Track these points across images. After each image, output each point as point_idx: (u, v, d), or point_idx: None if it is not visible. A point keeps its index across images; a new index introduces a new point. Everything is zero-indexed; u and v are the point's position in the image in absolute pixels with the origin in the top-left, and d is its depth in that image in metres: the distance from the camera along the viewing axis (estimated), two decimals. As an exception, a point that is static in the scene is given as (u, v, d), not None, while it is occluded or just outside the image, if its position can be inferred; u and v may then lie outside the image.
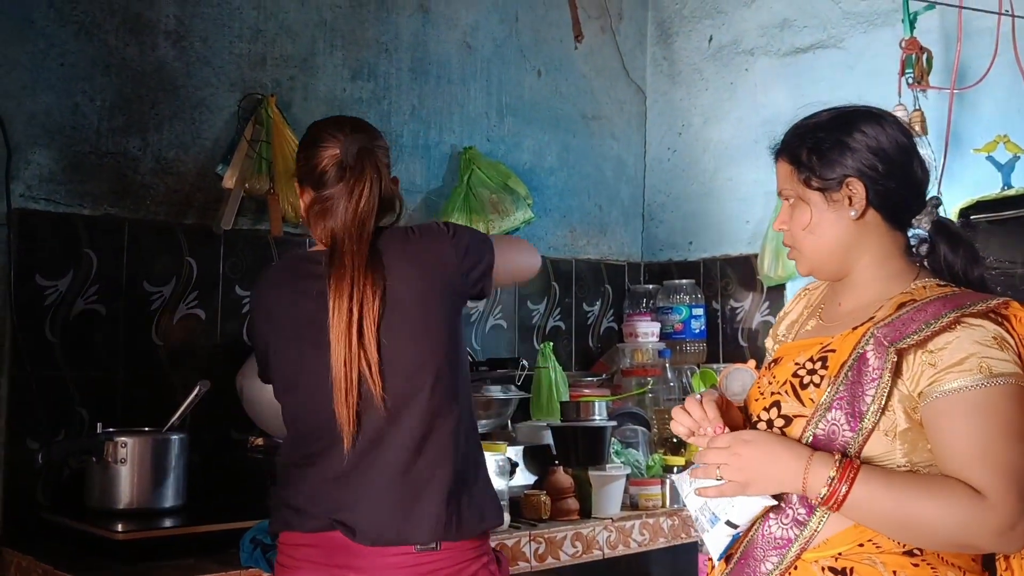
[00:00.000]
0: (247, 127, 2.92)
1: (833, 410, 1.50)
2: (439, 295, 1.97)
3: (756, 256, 3.55)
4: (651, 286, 3.93)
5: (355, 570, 1.88)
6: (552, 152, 3.81)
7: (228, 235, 2.90)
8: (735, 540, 1.57)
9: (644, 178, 4.13)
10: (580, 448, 2.98)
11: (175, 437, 2.49)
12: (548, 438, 3.15)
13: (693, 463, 1.59)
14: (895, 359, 1.46)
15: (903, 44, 3.08)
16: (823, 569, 1.50)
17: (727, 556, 1.61)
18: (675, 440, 3.22)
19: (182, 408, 2.51)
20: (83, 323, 2.66)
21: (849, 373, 1.50)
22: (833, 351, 1.55)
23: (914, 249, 1.64)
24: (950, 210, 2.90)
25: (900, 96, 3.07)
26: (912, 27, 3.09)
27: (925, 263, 1.63)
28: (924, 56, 3.05)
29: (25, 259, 2.57)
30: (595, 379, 3.61)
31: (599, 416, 3.05)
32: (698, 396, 1.62)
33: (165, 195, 2.83)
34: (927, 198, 1.64)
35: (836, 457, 1.45)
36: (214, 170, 2.89)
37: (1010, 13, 2.94)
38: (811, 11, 3.62)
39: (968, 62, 3.08)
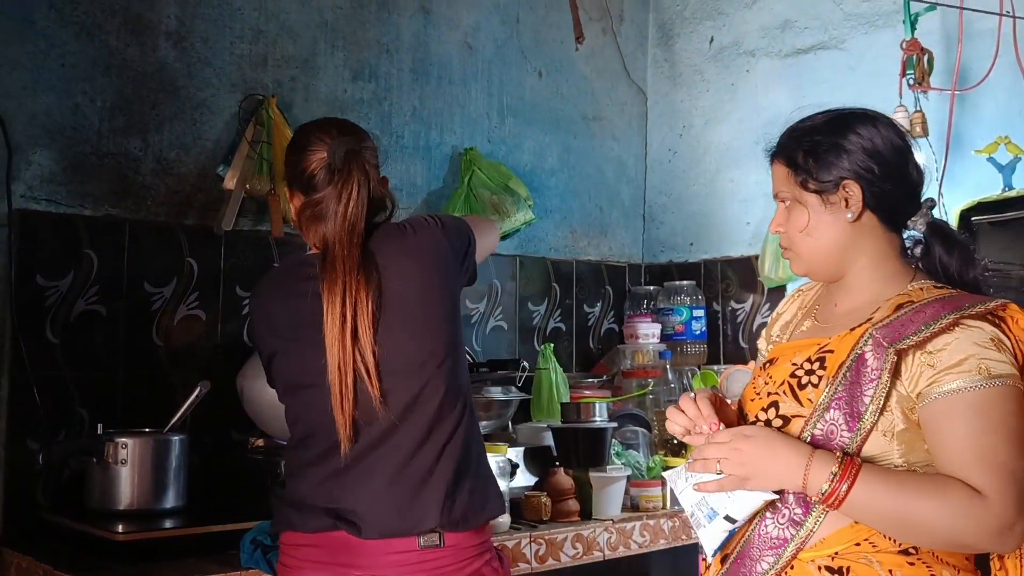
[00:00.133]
0: (248, 128, 2.92)
1: (831, 410, 1.51)
2: (439, 287, 1.99)
3: (757, 257, 3.54)
4: (652, 287, 3.93)
5: (359, 569, 1.88)
6: (553, 153, 3.81)
7: (229, 236, 2.90)
8: (732, 535, 1.57)
9: (645, 179, 4.13)
10: (581, 449, 2.98)
11: (175, 438, 2.49)
12: (549, 439, 3.15)
13: (690, 457, 1.59)
14: (895, 359, 1.47)
15: (904, 45, 3.07)
16: (819, 568, 1.50)
17: (723, 557, 1.62)
18: (676, 441, 3.22)
19: (183, 409, 2.50)
20: (84, 324, 2.66)
21: (847, 374, 1.51)
22: (831, 352, 1.56)
23: (909, 251, 1.65)
24: (951, 211, 2.91)
25: (901, 97, 3.07)
26: (913, 28, 3.09)
27: (919, 265, 1.64)
28: (925, 57, 3.05)
29: (26, 260, 2.57)
30: (596, 380, 3.61)
31: (600, 417, 3.05)
32: (692, 394, 1.62)
33: (166, 196, 2.83)
34: (922, 200, 1.65)
35: (838, 455, 1.46)
36: (215, 171, 2.89)
37: (1011, 14, 2.94)
38: (812, 12, 3.62)
39: (969, 63, 3.08)
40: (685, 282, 3.82)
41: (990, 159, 2.95)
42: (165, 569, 2.19)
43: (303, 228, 2.03)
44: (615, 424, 3.12)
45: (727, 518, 1.53)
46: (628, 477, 2.96)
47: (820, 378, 1.54)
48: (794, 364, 1.60)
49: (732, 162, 3.81)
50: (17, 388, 2.54)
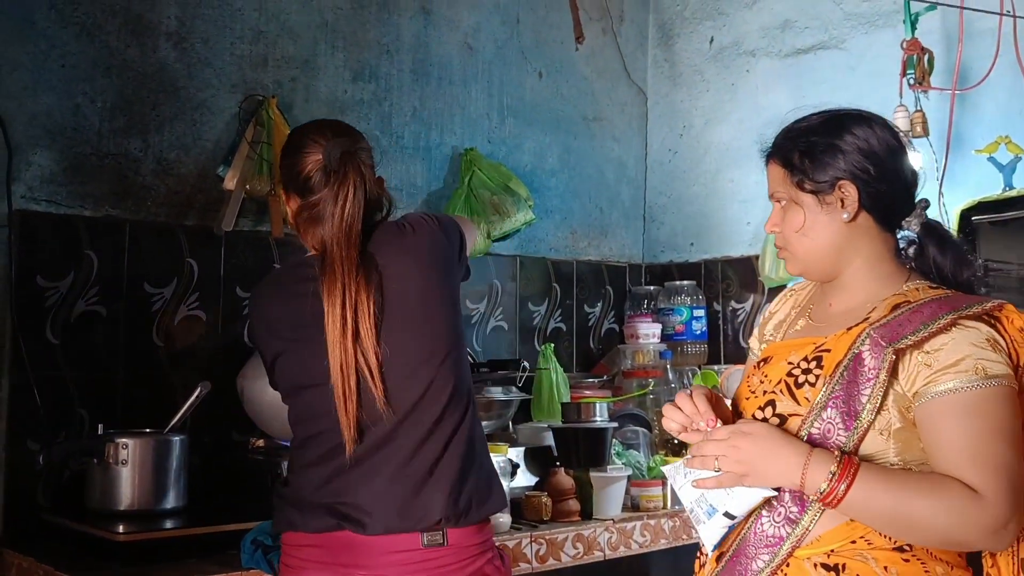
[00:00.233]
0: (248, 128, 2.92)
1: (828, 409, 1.51)
2: (440, 284, 1.99)
3: (757, 257, 3.54)
4: (652, 287, 3.93)
5: (362, 568, 1.88)
6: (553, 153, 3.81)
7: (229, 236, 2.90)
8: (730, 531, 1.58)
9: (645, 179, 4.13)
10: (581, 449, 2.98)
11: (176, 438, 2.49)
12: (549, 439, 3.15)
13: (688, 454, 1.60)
14: (893, 359, 1.48)
15: (904, 45, 3.07)
16: (815, 566, 1.51)
17: (719, 555, 1.62)
18: (676, 441, 3.22)
19: (183, 409, 2.50)
20: (84, 324, 2.66)
21: (845, 373, 1.52)
22: (828, 351, 1.57)
23: (903, 251, 1.66)
24: (951, 211, 2.90)
25: (901, 97, 3.07)
26: (913, 28, 3.09)
27: (913, 265, 1.65)
28: (925, 57, 3.05)
29: (26, 260, 2.57)
30: (596, 380, 3.61)
31: (600, 417, 3.05)
32: (689, 391, 1.62)
33: (166, 196, 2.83)
34: (916, 200, 1.66)
35: (836, 454, 1.46)
36: (215, 171, 2.89)
37: (1011, 14, 2.94)
38: (812, 12, 3.62)
39: (969, 63, 3.08)
40: (685, 282, 3.82)
41: (990, 159, 2.95)
42: (166, 569, 2.19)
43: (300, 230, 2.03)
44: (615, 424, 3.12)
45: (726, 515, 1.54)
46: (629, 477, 2.96)
47: (817, 377, 1.55)
48: (790, 363, 1.61)
49: (732, 162, 3.81)
50: (17, 389, 2.54)
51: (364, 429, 1.90)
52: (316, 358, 1.90)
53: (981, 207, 2.78)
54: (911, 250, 1.65)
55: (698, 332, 3.75)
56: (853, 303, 1.62)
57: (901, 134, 1.67)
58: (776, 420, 1.57)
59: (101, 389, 2.67)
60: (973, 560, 1.55)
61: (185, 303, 2.83)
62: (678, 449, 3.22)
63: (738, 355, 3.68)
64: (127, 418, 2.64)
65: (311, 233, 1.99)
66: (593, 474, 2.89)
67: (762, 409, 1.60)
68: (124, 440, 2.41)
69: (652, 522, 2.91)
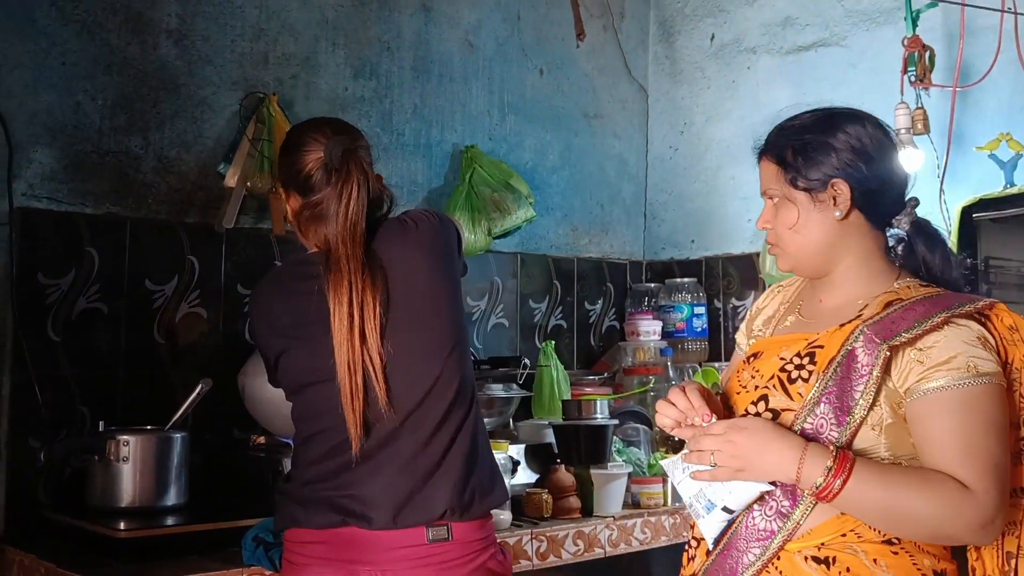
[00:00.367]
0: (249, 126, 2.92)
1: (822, 404, 1.53)
2: (444, 278, 2.00)
3: (758, 254, 3.54)
4: (653, 285, 3.92)
5: (367, 564, 1.89)
6: (554, 151, 3.81)
7: (230, 234, 2.90)
8: (730, 524, 1.58)
9: (646, 177, 4.12)
10: (582, 447, 2.98)
11: (177, 435, 2.49)
12: (550, 436, 3.15)
13: (685, 449, 1.60)
14: (887, 355, 1.49)
15: (905, 42, 3.07)
16: (806, 559, 1.52)
17: (707, 548, 1.63)
18: (676, 440, 3.22)
19: (184, 407, 2.51)
20: (85, 322, 2.66)
21: (838, 369, 1.53)
22: (821, 347, 1.58)
23: (892, 249, 1.68)
24: (952, 208, 2.90)
25: (903, 94, 3.07)
26: (915, 25, 3.08)
27: (902, 262, 1.67)
28: (927, 54, 3.04)
29: (27, 258, 2.58)
30: (597, 378, 3.61)
31: (601, 415, 3.05)
32: (681, 387, 1.63)
33: (167, 194, 2.83)
34: (906, 199, 1.67)
35: (832, 449, 1.48)
36: (216, 169, 2.89)
37: (1013, 11, 2.94)
38: (813, 9, 3.61)
39: (971, 60, 3.07)
40: (686, 279, 3.82)
41: (992, 156, 2.94)
42: (167, 566, 2.19)
43: (301, 229, 2.03)
44: (616, 421, 3.12)
45: (724, 509, 1.55)
46: (629, 474, 2.97)
47: (811, 373, 1.56)
48: (782, 359, 1.62)
49: (733, 159, 3.81)
50: (18, 386, 2.54)
51: (370, 426, 1.91)
52: (321, 356, 1.91)
53: (982, 204, 2.78)
54: (900, 248, 1.67)
55: (699, 329, 3.75)
56: (843, 300, 1.63)
57: (893, 133, 1.69)
58: (769, 415, 1.58)
59: (102, 386, 2.67)
60: (958, 553, 1.58)
61: (186, 300, 2.83)
62: (679, 446, 3.19)
63: (739, 352, 3.68)
64: (128, 415, 2.64)
65: (313, 231, 2.00)
66: (594, 471, 2.89)
67: (755, 404, 1.61)
68: (125, 437, 2.41)
69: (653, 519, 2.91)
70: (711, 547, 1.61)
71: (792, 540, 1.53)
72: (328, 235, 1.95)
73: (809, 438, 1.51)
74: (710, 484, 1.55)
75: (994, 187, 2.91)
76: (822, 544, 1.52)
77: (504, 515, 2.63)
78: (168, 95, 2.84)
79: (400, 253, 1.97)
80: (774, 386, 1.60)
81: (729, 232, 3.80)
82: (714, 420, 1.56)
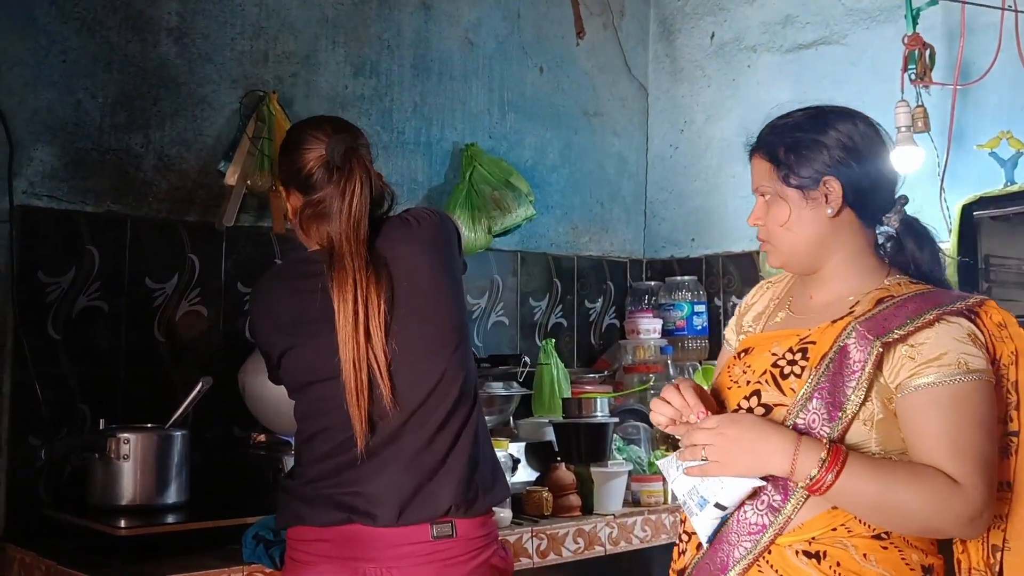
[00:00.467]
0: (249, 124, 2.92)
1: (814, 399, 1.54)
2: (448, 274, 2.01)
3: (758, 253, 3.54)
4: (653, 283, 3.92)
5: (372, 561, 1.89)
6: (554, 149, 3.81)
7: (230, 232, 2.90)
8: (724, 522, 1.59)
9: (646, 175, 4.12)
10: (582, 445, 2.98)
11: (177, 433, 2.49)
12: (550, 435, 3.15)
13: (680, 446, 1.60)
14: (880, 352, 1.51)
15: (906, 40, 3.07)
16: (797, 553, 1.53)
17: (699, 542, 1.63)
18: (677, 437, 3.22)
19: (184, 405, 2.51)
20: (85, 320, 2.66)
21: (830, 365, 1.54)
22: (813, 343, 1.60)
23: (881, 247, 1.69)
24: (953, 206, 2.90)
25: (903, 92, 3.06)
26: (915, 23, 3.08)
27: (891, 260, 1.68)
28: (927, 52, 3.04)
29: (27, 256, 2.58)
30: (597, 376, 3.61)
31: (601, 413, 3.05)
32: (674, 384, 1.64)
33: (167, 192, 2.83)
34: (896, 197, 1.69)
35: (825, 442, 1.49)
36: (216, 167, 2.89)
37: (1013, 8, 2.94)
38: (813, 7, 3.61)
39: (971, 58, 3.07)
40: (686, 277, 3.82)
41: (992, 154, 2.94)
42: (167, 564, 2.19)
43: (303, 227, 2.03)
44: (616, 419, 3.12)
45: (717, 505, 1.56)
46: (629, 472, 2.97)
47: (803, 368, 1.58)
48: (774, 354, 1.63)
49: (733, 158, 3.80)
50: (19, 384, 2.54)
51: (375, 423, 1.91)
52: (325, 354, 1.91)
53: (982, 202, 2.77)
54: (889, 245, 1.69)
55: (699, 327, 3.75)
56: (834, 296, 1.65)
57: (883, 131, 1.70)
58: (761, 410, 1.59)
59: (102, 384, 2.67)
60: (944, 548, 1.60)
61: (186, 298, 2.83)
62: (679, 444, 3.22)
63: (739, 350, 3.68)
64: (128, 413, 2.64)
65: (315, 229, 2.00)
66: (594, 469, 2.89)
67: (747, 399, 1.62)
68: (125, 435, 2.41)
69: (653, 517, 2.91)
70: (704, 544, 1.61)
71: (783, 534, 1.54)
72: (331, 233, 1.95)
73: (801, 433, 1.52)
74: (703, 480, 1.56)
75: (994, 185, 2.91)
76: (813, 538, 1.53)
77: (504, 513, 2.63)
78: (168, 93, 2.84)
79: (403, 250, 1.97)
80: (766, 381, 1.61)
81: (729, 230, 3.79)
82: (708, 415, 1.57)
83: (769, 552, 1.55)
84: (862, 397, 1.51)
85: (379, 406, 1.91)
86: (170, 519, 2.40)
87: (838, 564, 1.52)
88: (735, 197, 3.79)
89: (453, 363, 1.97)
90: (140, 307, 2.75)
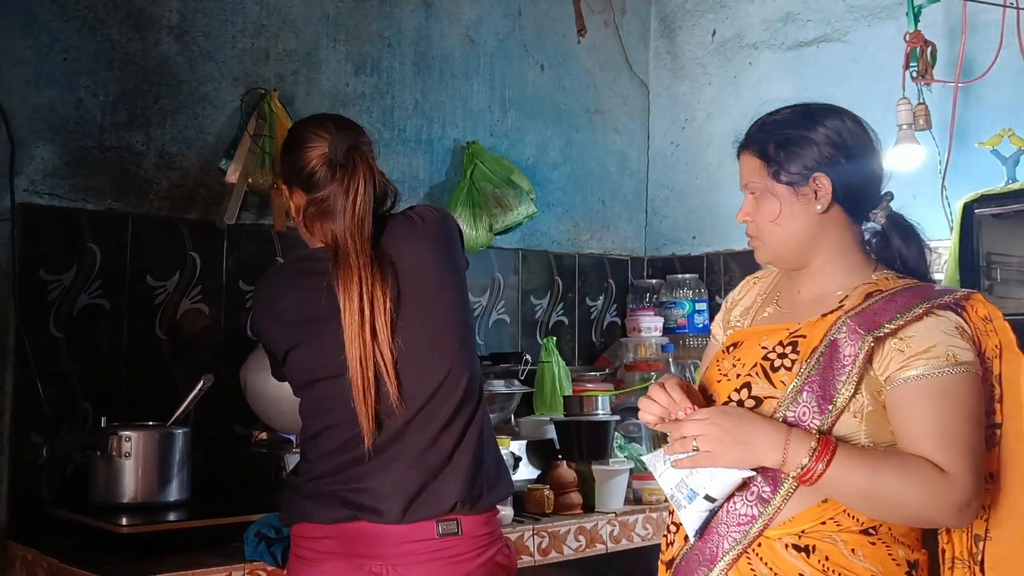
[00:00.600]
0: (250, 122, 2.92)
1: (804, 392, 1.56)
2: (452, 271, 2.01)
3: (760, 250, 3.53)
4: (654, 281, 3.93)
5: (377, 558, 1.89)
6: (555, 147, 3.81)
7: (232, 230, 2.91)
8: (712, 514, 1.60)
9: (647, 172, 4.12)
10: (583, 443, 2.98)
11: (179, 431, 2.50)
12: (551, 432, 3.16)
13: (668, 441, 1.61)
14: (871, 346, 1.53)
15: (907, 37, 3.06)
16: (786, 547, 1.55)
17: (686, 533, 1.64)
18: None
19: (186, 402, 2.51)
20: (87, 318, 2.66)
21: (821, 358, 1.56)
22: (803, 336, 1.61)
23: (868, 242, 1.71)
24: (954, 204, 2.90)
25: (904, 89, 3.06)
26: (916, 20, 3.08)
27: (876, 255, 1.70)
28: (928, 49, 3.03)
29: (29, 254, 2.58)
30: (598, 374, 3.61)
31: (602, 411, 3.05)
32: (660, 382, 1.65)
33: (168, 190, 2.83)
34: (882, 193, 1.70)
35: (815, 433, 1.51)
36: (217, 165, 2.89)
37: (1015, 6, 2.94)
38: (815, 5, 3.61)
39: (973, 55, 3.07)
40: (688, 275, 3.82)
41: (994, 151, 2.94)
42: (169, 562, 2.19)
43: (306, 225, 2.03)
44: (618, 417, 3.12)
45: (707, 498, 1.56)
46: (631, 470, 2.97)
47: (793, 362, 1.59)
48: (764, 347, 1.65)
49: (734, 155, 3.78)
50: (21, 383, 2.54)
51: (381, 421, 1.92)
52: (331, 351, 1.91)
53: (984, 200, 2.77)
54: (875, 241, 1.71)
55: (700, 325, 3.74)
56: (822, 291, 1.67)
57: (871, 128, 1.71)
58: (752, 402, 1.60)
59: (104, 382, 2.67)
60: (928, 544, 1.63)
61: (188, 296, 2.83)
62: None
63: (740, 348, 3.68)
64: (130, 411, 2.65)
65: (319, 227, 1.99)
66: (595, 467, 2.89)
67: (738, 391, 1.63)
68: (127, 433, 2.42)
69: (654, 515, 2.91)
70: (692, 539, 1.63)
71: (773, 527, 1.55)
72: (335, 231, 1.95)
73: (791, 425, 1.54)
74: (692, 473, 1.57)
75: (996, 183, 2.90)
76: (802, 532, 1.54)
77: (506, 511, 2.63)
78: (169, 91, 2.84)
79: (408, 248, 1.97)
80: (757, 374, 1.62)
81: (730, 228, 3.79)
82: (696, 410, 1.58)
83: (759, 545, 1.56)
84: (852, 390, 1.53)
85: (385, 404, 1.91)
86: (172, 517, 2.40)
87: (827, 558, 1.53)
88: (736, 195, 3.71)
89: (459, 360, 1.97)
90: (141, 305, 2.75)
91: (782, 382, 1.59)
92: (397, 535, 1.89)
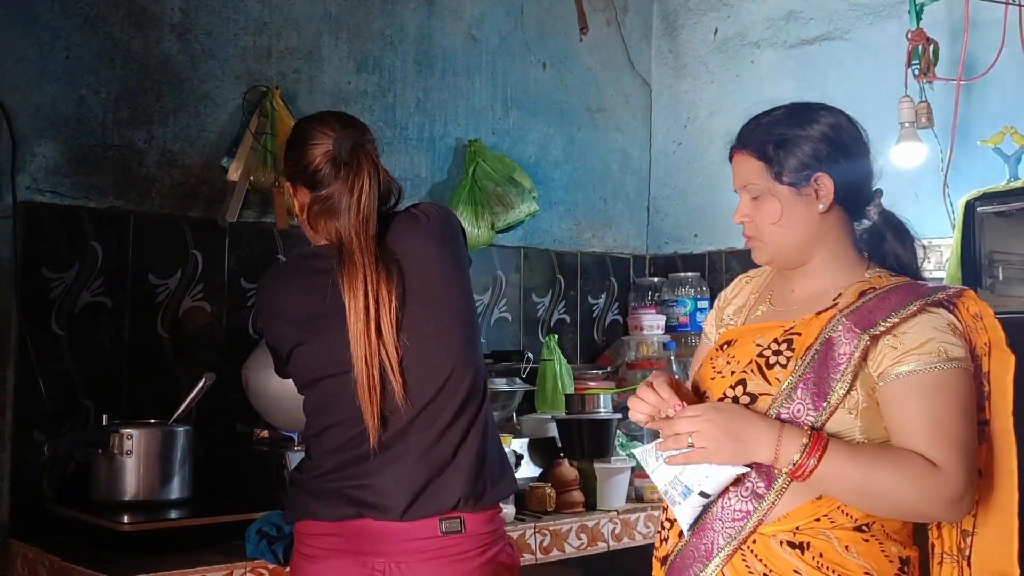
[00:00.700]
0: (252, 120, 2.92)
1: (799, 389, 1.57)
2: (457, 268, 2.02)
3: (761, 249, 3.53)
4: (656, 279, 3.92)
5: (381, 555, 1.89)
6: (557, 145, 3.81)
7: (233, 228, 2.91)
8: (706, 509, 1.61)
9: (649, 171, 4.12)
10: (585, 441, 2.98)
11: (180, 429, 2.50)
12: (553, 431, 3.16)
13: (660, 437, 1.61)
14: (867, 344, 1.54)
15: (909, 35, 3.06)
16: (781, 543, 1.56)
17: (680, 529, 1.65)
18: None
19: (187, 400, 2.51)
20: (89, 315, 2.66)
21: (815, 356, 1.57)
22: (798, 334, 1.62)
23: (859, 240, 1.72)
24: (956, 202, 2.90)
25: (906, 88, 3.06)
26: (918, 18, 3.08)
27: (868, 252, 1.71)
28: (930, 47, 3.04)
29: (31, 251, 2.58)
30: (600, 372, 3.61)
31: (604, 409, 3.06)
32: (648, 381, 1.64)
33: (170, 188, 2.83)
34: (873, 189, 1.71)
35: (807, 429, 1.52)
36: (219, 163, 2.89)
37: (1017, 3, 2.93)
38: (817, 3, 3.61)
39: (975, 53, 3.07)
40: (689, 273, 3.82)
41: (996, 149, 2.94)
42: (170, 560, 2.19)
43: (311, 223, 2.02)
44: (619, 415, 3.12)
45: (701, 494, 1.57)
46: (632, 468, 2.97)
47: (788, 359, 1.60)
48: (759, 345, 1.65)
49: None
50: (23, 380, 2.55)
51: (386, 418, 1.92)
52: (336, 349, 1.91)
53: (986, 198, 2.77)
54: (866, 238, 1.71)
55: (702, 323, 3.74)
56: (816, 289, 1.67)
57: (861, 125, 1.71)
58: (747, 398, 1.61)
59: (106, 380, 2.68)
60: (918, 540, 1.64)
61: (189, 294, 2.83)
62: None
63: (742, 346, 3.68)
64: (132, 409, 2.65)
65: (323, 225, 1.99)
66: (597, 465, 2.89)
67: (733, 388, 1.64)
68: (129, 431, 2.42)
69: (656, 513, 2.91)
70: (686, 533, 1.63)
71: (767, 523, 1.56)
72: (340, 229, 1.95)
73: (785, 421, 1.55)
74: (686, 469, 1.57)
75: (998, 180, 2.90)
76: (797, 528, 1.55)
77: (508, 509, 2.63)
78: (171, 89, 2.84)
79: (412, 245, 1.97)
80: (752, 371, 1.63)
81: (732, 226, 3.71)
82: (685, 407, 1.58)
83: (754, 542, 1.57)
84: (847, 387, 1.54)
85: (391, 402, 1.91)
86: (173, 515, 2.40)
87: (821, 555, 1.54)
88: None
89: (463, 358, 1.97)
90: (143, 303, 2.75)
91: (777, 379, 1.59)
92: (401, 532, 1.89)
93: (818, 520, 1.55)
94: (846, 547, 1.54)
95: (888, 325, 1.54)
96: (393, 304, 1.90)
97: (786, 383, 1.57)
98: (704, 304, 3.75)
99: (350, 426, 1.92)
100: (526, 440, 3.10)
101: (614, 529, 2.82)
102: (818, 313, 1.62)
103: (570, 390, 3.35)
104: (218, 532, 2.34)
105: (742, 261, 3.74)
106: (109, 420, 2.48)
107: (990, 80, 3.03)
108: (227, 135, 2.92)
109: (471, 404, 1.97)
